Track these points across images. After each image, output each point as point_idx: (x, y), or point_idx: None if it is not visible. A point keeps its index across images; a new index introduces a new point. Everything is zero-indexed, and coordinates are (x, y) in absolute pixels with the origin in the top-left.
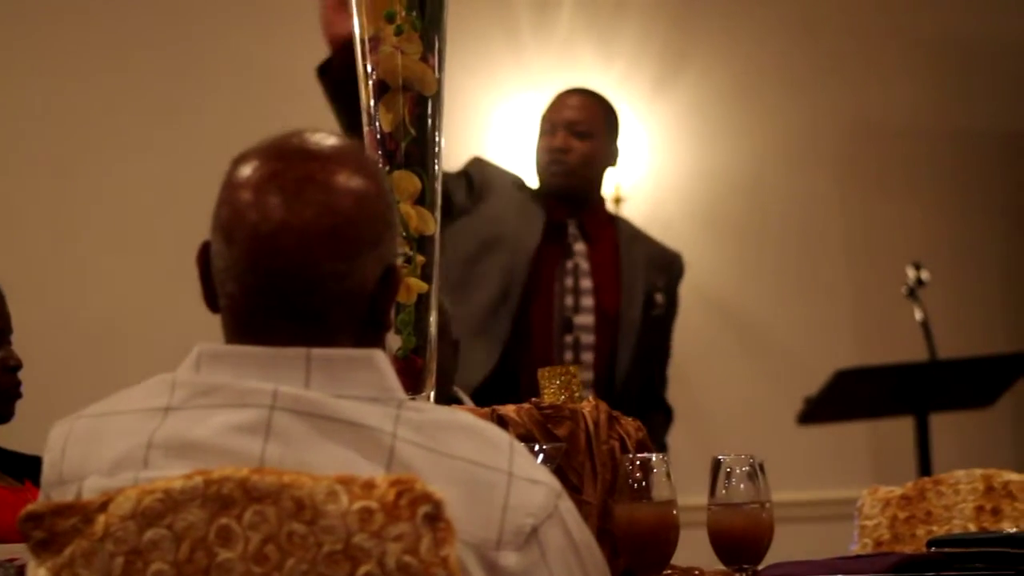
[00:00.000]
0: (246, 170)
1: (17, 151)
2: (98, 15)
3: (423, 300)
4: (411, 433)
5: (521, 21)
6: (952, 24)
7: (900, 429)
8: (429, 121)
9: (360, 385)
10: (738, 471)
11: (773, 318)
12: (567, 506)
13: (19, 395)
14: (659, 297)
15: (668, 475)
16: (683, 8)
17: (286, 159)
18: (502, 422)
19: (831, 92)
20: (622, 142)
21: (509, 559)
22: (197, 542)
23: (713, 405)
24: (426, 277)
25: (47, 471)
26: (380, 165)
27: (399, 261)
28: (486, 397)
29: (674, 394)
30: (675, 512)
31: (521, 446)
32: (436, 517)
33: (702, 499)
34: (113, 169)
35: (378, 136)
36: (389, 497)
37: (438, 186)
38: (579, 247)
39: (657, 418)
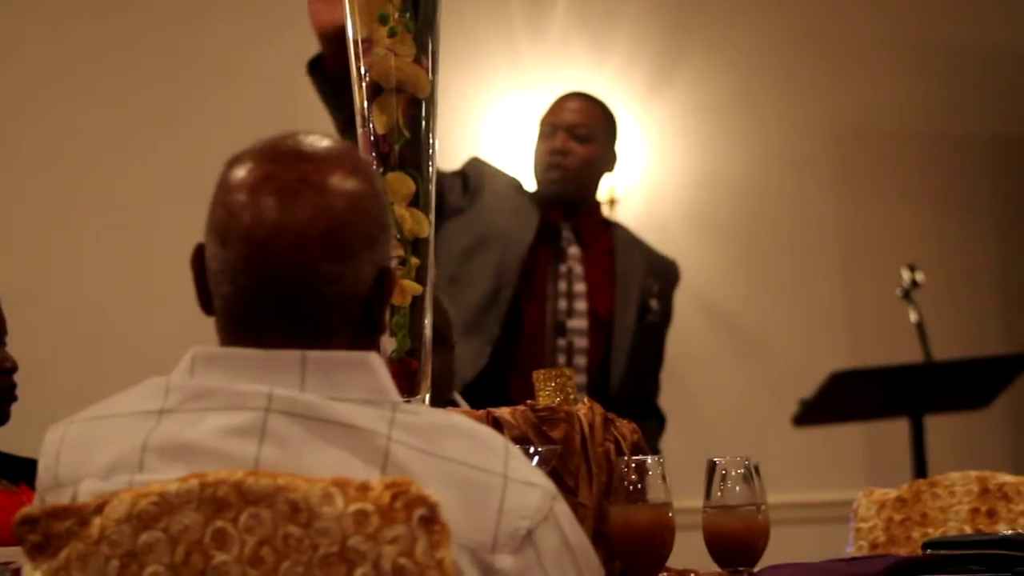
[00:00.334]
0: (240, 172)
1: (13, 152)
2: (95, 18)
3: (418, 303)
4: (406, 435)
5: (515, 21)
6: (946, 30)
7: (895, 431)
8: (423, 123)
9: (355, 387)
10: (733, 473)
11: (768, 320)
12: (562, 509)
13: (14, 398)
14: (654, 303)
15: (663, 477)
16: (677, 9)
17: (280, 161)
18: (497, 424)
19: (826, 95)
20: (619, 147)
21: (504, 562)
22: (192, 545)
23: (708, 407)
24: (420, 279)
25: (42, 475)
26: (374, 167)
27: (393, 263)
28: (474, 397)
29: (670, 397)
30: (671, 514)
31: (516, 448)
32: (431, 520)
33: (698, 501)
34: (109, 172)
35: (372, 138)
36: (384, 500)
37: (432, 188)
38: (573, 251)
39: (650, 424)
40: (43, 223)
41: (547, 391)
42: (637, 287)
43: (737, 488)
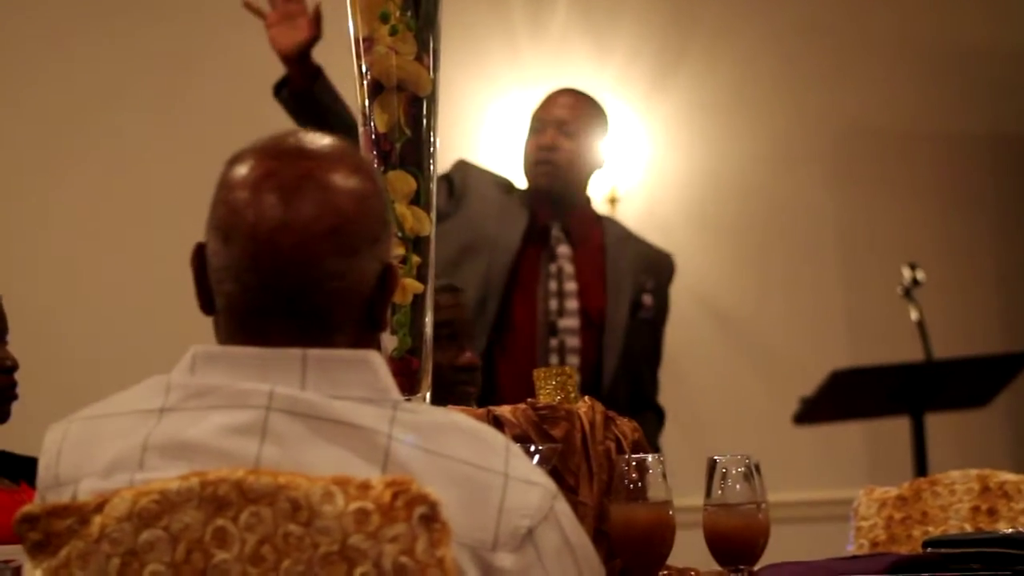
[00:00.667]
0: (243, 169)
1: (10, 151)
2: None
3: (419, 301)
4: (407, 434)
5: (516, 18)
6: (948, 29)
7: (896, 429)
8: (424, 121)
9: (356, 386)
10: (734, 471)
11: (769, 318)
12: (563, 507)
13: (15, 396)
14: (647, 299)
15: (664, 476)
16: (679, 7)
17: (283, 158)
18: (498, 423)
19: (828, 93)
20: (616, 142)
21: (505, 560)
22: (193, 543)
23: (709, 405)
24: (422, 278)
25: (43, 474)
26: (374, 165)
27: (395, 262)
28: None
29: (670, 395)
30: (671, 513)
31: (517, 447)
32: (432, 518)
33: (698, 500)
34: (108, 169)
35: (373, 136)
36: (385, 498)
37: (433, 187)
38: (563, 249)
39: (648, 419)
40: (42, 221)
41: (548, 389)
42: (629, 283)
43: (737, 486)
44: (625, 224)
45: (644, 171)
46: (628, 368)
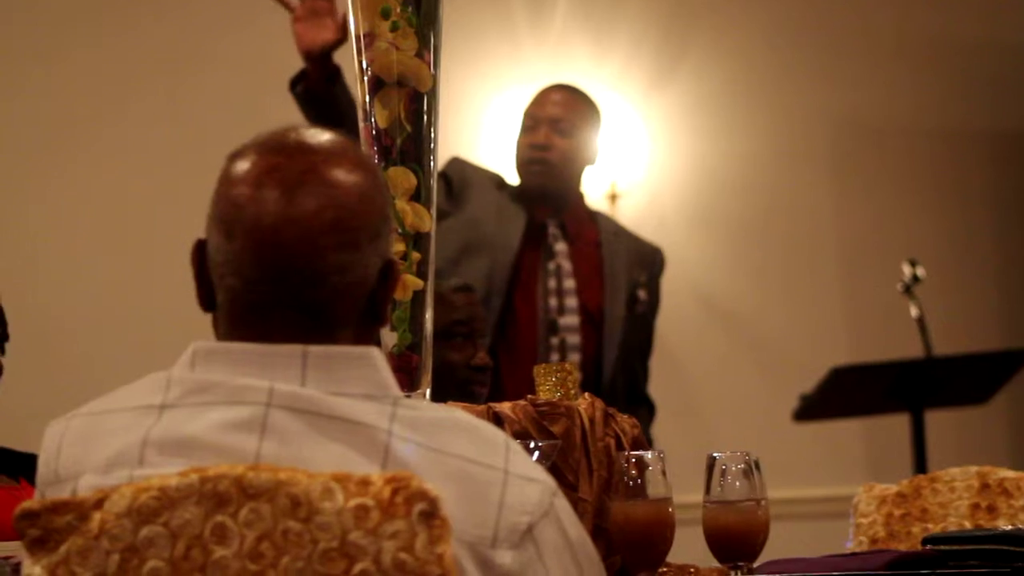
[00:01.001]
0: (244, 164)
1: (9, 150)
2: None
3: (419, 297)
4: (407, 431)
5: (517, 15)
6: (947, 24)
7: (896, 426)
8: (424, 117)
9: (356, 382)
10: (734, 468)
11: (769, 315)
12: (562, 504)
13: None
14: (642, 293)
15: (664, 472)
16: (679, 4)
17: (286, 153)
18: (498, 419)
19: (829, 90)
20: (616, 138)
21: (504, 557)
22: (193, 539)
23: (708, 402)
24: (422, 274)
25: (42, 470)
26: (375, 161)
27: (396, 257)
28: None
29: (670, 392)
30: (671, 509)
31: (517, 444)
32: (432, 515)
33: (698, 496)
34: (108, 169)
35: (373, 132)
36: (385, 494)
37: (434, 182)
38: (560, 247)
39: (640, 413)
40: (39, 220)
41: (548, 386)
42: (625, 278)
43: (737, 483)
44: (625, 220)
45: (644, 167)
46: (625, 362)
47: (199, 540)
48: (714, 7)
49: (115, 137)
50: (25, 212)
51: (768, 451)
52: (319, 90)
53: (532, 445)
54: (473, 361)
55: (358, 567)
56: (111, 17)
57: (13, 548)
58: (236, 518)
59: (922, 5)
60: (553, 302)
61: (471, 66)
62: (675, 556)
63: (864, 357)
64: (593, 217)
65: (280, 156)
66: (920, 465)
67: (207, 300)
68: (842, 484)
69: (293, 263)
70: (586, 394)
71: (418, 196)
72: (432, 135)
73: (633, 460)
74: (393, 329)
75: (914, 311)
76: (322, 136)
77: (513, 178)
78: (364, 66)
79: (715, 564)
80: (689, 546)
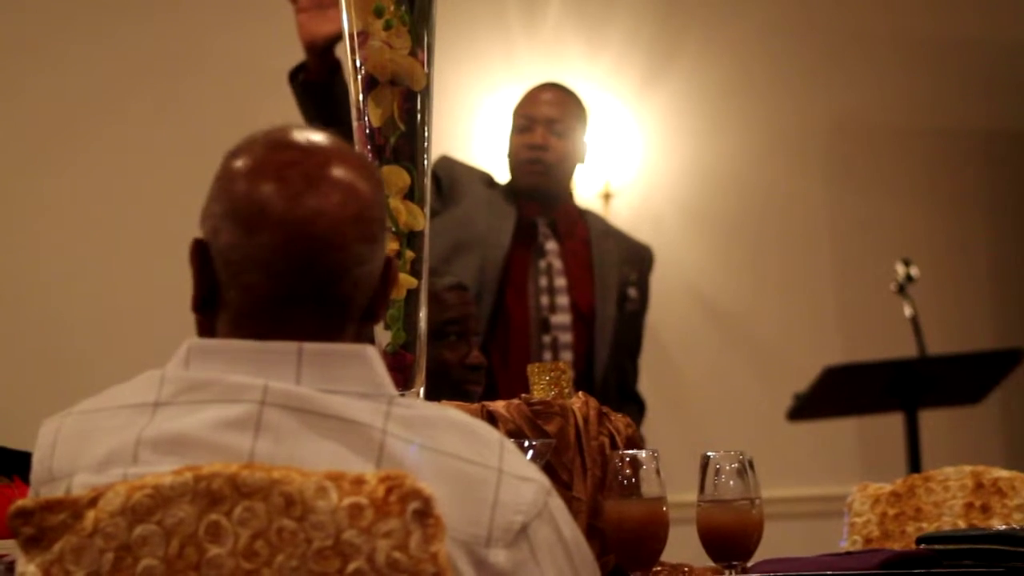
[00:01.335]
0: (255, 161)
1: (9, 150)
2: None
3: (413, 296)
4: (401, 429)
5: (510, 14)
6: (941, 23)
7: (890, 425)
8: (418, 116)
9: (351, 380)
10: (727, 467)
11: (762, 314)
12: (557, 503)
13: None
14: (632, 292)
15: (658, 471)
16: (672, 3)
17: (299, 149)
18: (492, 418)
19: (822, 89)
20: (610, 137)
21: (498, 556)
22: (187, 538)
23: (702, 401)
24: (416, 273)
25: (36, 468)
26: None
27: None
28: None
29: (664, 390)
30: (665, 508)
31: (511, 443)
32: (426, 513)
33: (692, 495)
34: (107, 168)
35: (367, 131)
36: (379, 493)
37: (427, 181)
38: (551, 246)
39: (630, 410)
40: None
41: (541, 385)
42: (615, 277)
43: (731, 482)
44: (618, 219)
45: (637, 166)
46: (617, 361)
47: (193, 539)
48: (707, 6)
49: (114, 137)
50: (23, 212)
51: (762, 450)
52: (320, 82)
53: (526, 444)
54: (467, 360)
55: (352, 566)
56: (109, 17)
57: (7, 546)
58: (230, 517)
59: (915, 4)
60: (545, 300)
61: (465, 65)
62: (669, 555)
63: (858, 356)
64: (582, 215)
65: (294, 152)
66: (914, 464)
67: (206, 301)
68: (836, 483)
69: (322, 255)
70: (580, 393)
71: (412, 195)
72: (426, 134)
73: (627, 459)
74: (387, 328)
75: (908, 310)
76: (320, 134)
77: (502, 176)
78: (357, 65)
79: (709, 563)
80: (683, 545)
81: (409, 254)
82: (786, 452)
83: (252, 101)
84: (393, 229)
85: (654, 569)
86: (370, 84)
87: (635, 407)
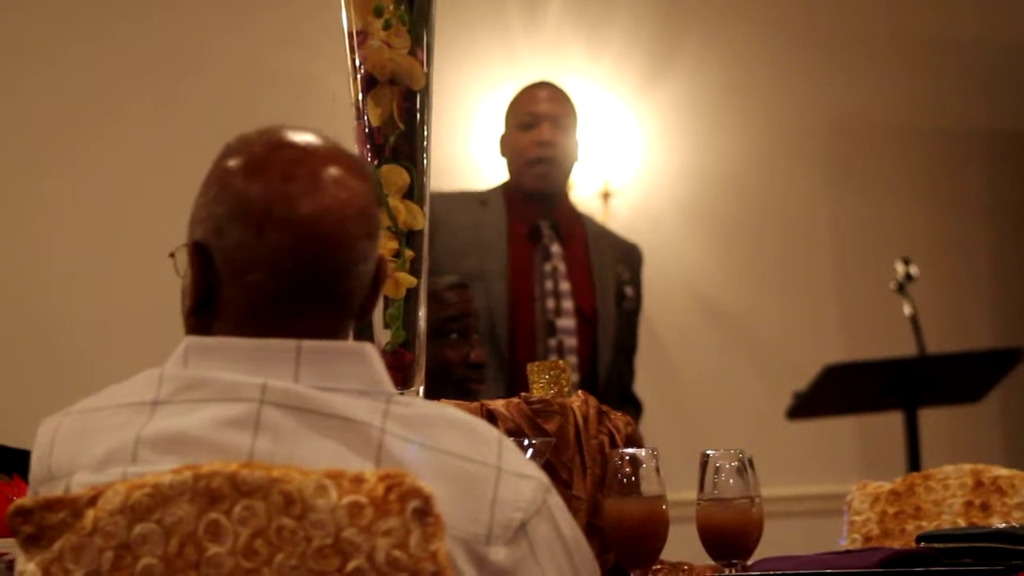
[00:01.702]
0: (255, 160)
1: (8, 149)
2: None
3: (412, 295)
4: (400, 428)
5: (511, 13)
6: (941, 23)
7: (889, 424)
8: (418, 115)
9: (349, 378)
10: (727, 466)
11: (762, 313)
12: (556, 501)
13: None
14: (628, 290)
15: (657, 470)
16: (672, 3)
17: (299, 147)
18: (491, 416)
19: (822, 88)
20: (610, 137)
21: (498, 554)
22: (186, 537)
23: (702, 400)
24: (415, 272)
25: (36, 467)
26: (367, 159)
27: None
28: None
29: (663, 389)
30: (664, 507)
31: (510, 441)
32: (425, 512)
33: (691, 494)
34: (107, 168)
35: (366, 130)
36: (378, 492)
37: (427, 180)
38: (555, 249)
39: (627, 411)
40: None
41: (541, 383)
42: (612, 277)
43: (731, 481)
44: (618, 219)
45: (637, 166)
46: (617, 361)
47: (193, 537)
48: (707, 6)
49: (113, 137)
50: (23, 212)
51: (762, 449)
52: None
53: (526, 442)
54: (469, 359)
55: (352, 564)
56: (109, 17)
57: (7, 545)
58: (230, 515)
59: (915, 4)
60: (550, 304)
61: (464, 64)
62: (669, 554)
63: (858, 355)
64: (580, 217)
65: (295, 151)
66: (914, 463)
67: (205, 301)
68: (836, 482)
69: (331, 252)
70: (579, 391)
71: (411, 194)
72: (425, 133)
73: (627, 457)
74: (387, 327)
75: (908, 309)
76: (312, 133)
77: (499, 178)
78: (357, 64)
79: (709, 562)
80: (683, 544)
81: (408, 253)
82: (786, 450)
83: (252, 101)
84: (392, 228)
85: (654, 567)
86: (369, 83)
87: (632, 408)
